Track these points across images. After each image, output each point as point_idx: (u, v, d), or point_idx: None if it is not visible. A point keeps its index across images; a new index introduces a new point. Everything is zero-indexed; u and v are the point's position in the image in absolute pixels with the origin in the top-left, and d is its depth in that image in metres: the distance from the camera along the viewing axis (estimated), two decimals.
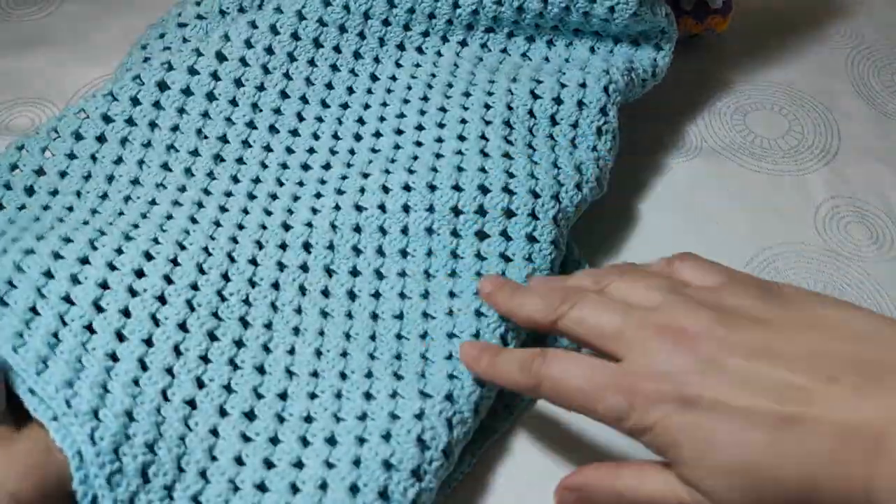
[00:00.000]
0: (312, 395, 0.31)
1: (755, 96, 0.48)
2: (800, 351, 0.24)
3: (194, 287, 0.32)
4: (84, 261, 0.31)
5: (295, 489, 0.28)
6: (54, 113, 0.47)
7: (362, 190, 0.36)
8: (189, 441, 0.29)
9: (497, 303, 0.31)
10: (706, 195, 0.43)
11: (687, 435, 0.23)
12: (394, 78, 0.41)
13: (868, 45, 0.52)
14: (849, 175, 0.44)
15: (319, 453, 0.29)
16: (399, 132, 0.39)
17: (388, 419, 0.29)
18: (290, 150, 0.38)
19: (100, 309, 0.30)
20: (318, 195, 0.36)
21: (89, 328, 0.29)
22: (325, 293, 0.34)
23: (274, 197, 0.36)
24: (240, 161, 0.37)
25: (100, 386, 0.28)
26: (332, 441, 0.29)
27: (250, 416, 0.30)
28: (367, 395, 0.31)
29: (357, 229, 0.35)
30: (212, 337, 0.31)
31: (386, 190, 0.36)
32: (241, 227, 0.35)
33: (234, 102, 0.38)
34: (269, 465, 0.29)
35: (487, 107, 0.38)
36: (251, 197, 0.36)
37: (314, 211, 0.36)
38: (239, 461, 0.29)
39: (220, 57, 0.38)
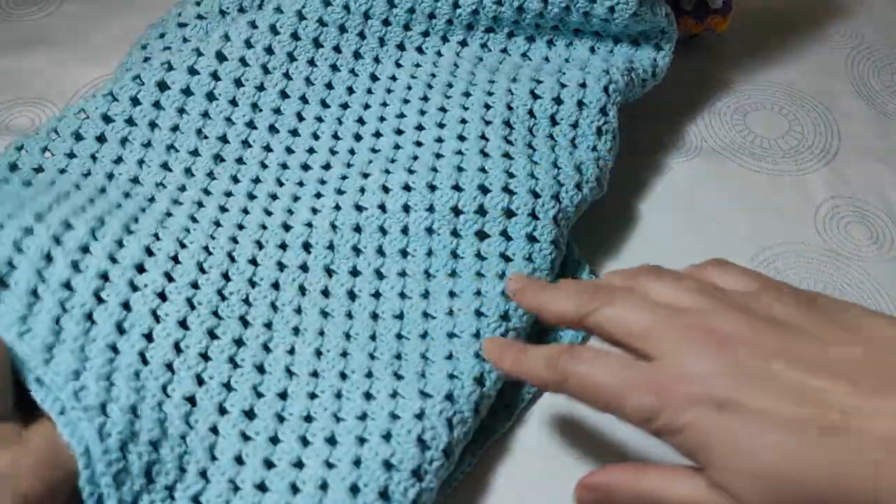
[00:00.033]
0: (312, 395, 0.31)
1: (755, 96, 0.48)
2: (842, 361, 0.23)
3: (194, 286, 0.32)
4: (85, 249, 0.31)
5: (295, 489, 0.28)
6: (54, 113, 0.47)
7: (362, 190, 0.36)
8: (190, 440, 0.28)
9: (526, 299, 0.31)
10: (706, 195, 0.43)
11: (721, 438, 0.23)
12: (394, 78, 0.41)
13: (868, 45, 0.52)
14: (849, 175, 0.44)
15: (319, 453, 0.29)
16: (399, 132, 0.39)
17: (389, 419, 0.29)
18: (289, 150, 0.38)
19: (100, 300, 0.30)
20: (318, 195, 0.36)
21: (90, 318, 0.29)
22: (325, 293, 0.34)
23: (274, 197, 0.36)
24: (240, 161, 0.37)
25: (105, 378, 0.28)
26: (332, 441, 0.29)
27: (250, 414, 0.30)
28: (367, 395, 0.31)
29: (357, 229, 0.35)
30: (211, 335, 0.31)
31: (386, 190, 0.36)
32: (240, 226, 0.35)
33: (234, 102, 0.38)
34: (269, 465, 0.29)
35: (487, 107, 0.38)
36: (251, 197, 0.36)
37: (314, 211, 0.36)
38: (239, 460, 0.29)
39: (220, 57, 0.38)
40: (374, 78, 0.41)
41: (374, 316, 0.33)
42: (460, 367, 0.31)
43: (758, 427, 0.22)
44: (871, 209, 0.42)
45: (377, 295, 0.34)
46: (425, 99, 0.39)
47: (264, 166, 0.38)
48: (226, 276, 0.33)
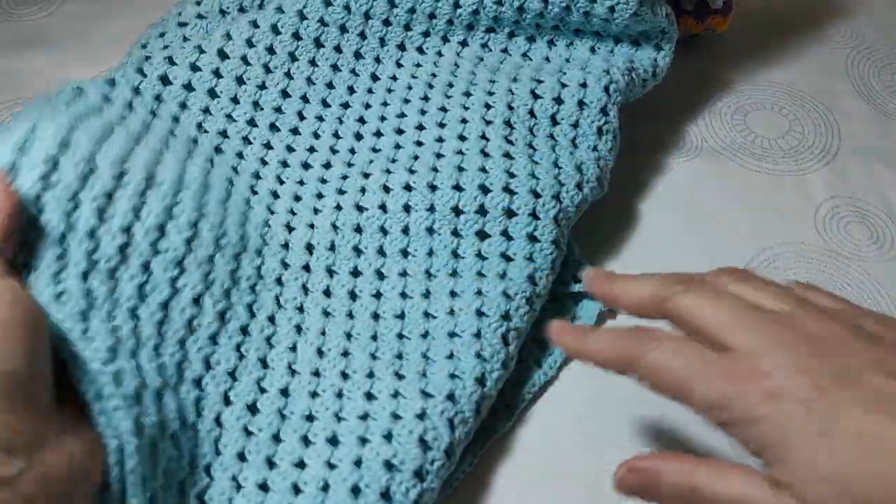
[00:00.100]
0: (314, 394, 0.31)
1: (755, 96, 0.48)
2: None
3: (211, 259, 0.32)
4: (109, 195, 0.30)
5: (297, 490, 0.28)
6: None
7: (363, 190, 0.36)
8: (200, 431, 0.28)
9: (601, 287, 0.29)
10: (706, 195, 0.43)
11: (800, 436, 0.22)
12: (395, 78, 0.41)
13: (868, 45, 0.52)
14: (849, 175, 0.44)
15: (321, 453, 0.29)
16: (399, 132, 0.39)
17: (390, 419, 0.29)
18: (290, 149, 0.38)
19: (124, 256, 0.29)
20: (320, 195, 0.36)
21: (113, 275, 0.28)
22: (327, 293, 0.34)
23: (275, 195, 0.36)
24: (240, 156, 0.37)
25: (132, 356, 0.27)
26: (333, 441, 0.29)
27: (253, 409, 0.30)
28: (369, 395, 0.31)
29: (358, 229, 0.35)
30: (222, 318, 0.31)
31: (387, 190, 0.36)
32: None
33: (235, 100, 0.38)
34: (270, 464, 0.29)
35: (488, 106, 0.38)
36: (253, 192, 0.36)
37: (315, 211, 0.36)
38: (241, 457, 0.29)
39: (222, 55, 0.38)
40: (374, 78, 0.41)
41: (376, 316, 0.33)
42: (461, 366, 0.31)
43: (847, 436, 0.22)
44: (871, 209, 0.42)
45: (378, 295, 0.34)
46: (426, 99, 0.39)
47: (264, 163, 0.38)
48: (237, 259, 0.33)
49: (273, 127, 0.39)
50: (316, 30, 0.40)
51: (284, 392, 0.31)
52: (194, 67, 0.38)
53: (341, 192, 0.36)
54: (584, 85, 0.39)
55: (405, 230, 0.35)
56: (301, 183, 0.37)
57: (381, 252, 0.35)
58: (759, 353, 0.24)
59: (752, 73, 0.50)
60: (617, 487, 0.27)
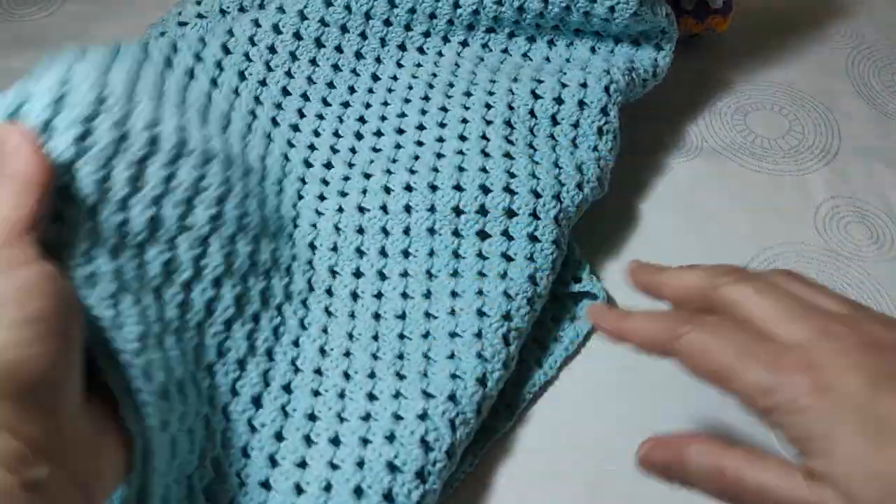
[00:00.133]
0: (316, 393, 0.31)
1: (755, 96, 0.48)
2: None
3: (233, 239, 0.31)
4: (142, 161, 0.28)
5: (299, 490, 0.28)
6: None
7: (364, 191, 0.36)
8: (211, 422, 0.28)
9: (643, 278, 0.29)
10: (707, 195, 0.43)
11: (849, 429, 0.21)
12: (395, 78, 0.41)
13: (868, 45, 0.52)
14: (849, 175, 0.44)
15: (323, 454, 0.29)
16: (400, 131, 0.39)
17: (392, 420, 0.29)
18: (290, 144, 0.38)
19: (153, 231, 0.28)
20: (322, 197, 0.36)
21: (142, 251, 0.27)
22: (329, 292, 0.34)
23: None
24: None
25: (157, 340, 0.26)
26: (335, 441, 0.29)
27: (257, 403, 0.30)
28: (370, 396, 0.31)
29: (360, 231, 0.35)
30: (238, 302, 0.31)
31: (388, 191, 0.36)
32: None
33: (236, 92, 0.38)
34: (273, 462, 0.29)
35: (488, 106, 0.38)
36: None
37: (318, 213, 0.36)
38: (245, 453, 0.29)
39: (225, 49, 0.38)
40: (375, 77, 0.41)
41: (377, 316, 0.33)
42: (462, 366, 0.31)
43: None
44: (871, 209, 0.42)
45: (379, 295, 0.34)
46: (426, 98, 0.39)
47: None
48: (256, 241, 0.32)
49: (274, 122, 0.38)
50: (317, 30, 0.40)
51: (287, 388, 0.31)
52: (198, 57, 0.38)
53: (343, 193, 0.36)
54: (584, 85, 0.39)
55: (406, 231, 0.35)
56: (302, 181, 0.37)
57: (382, 253, 0.35)
58: (808, 345, 0.23)
59: (752, 73, 0.50)
60: (640, 463, 0.26)
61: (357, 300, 0.34)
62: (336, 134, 0.39)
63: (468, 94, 0.39)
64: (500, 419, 0.34)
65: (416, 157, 0.37)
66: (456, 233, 0.35)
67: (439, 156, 0.37)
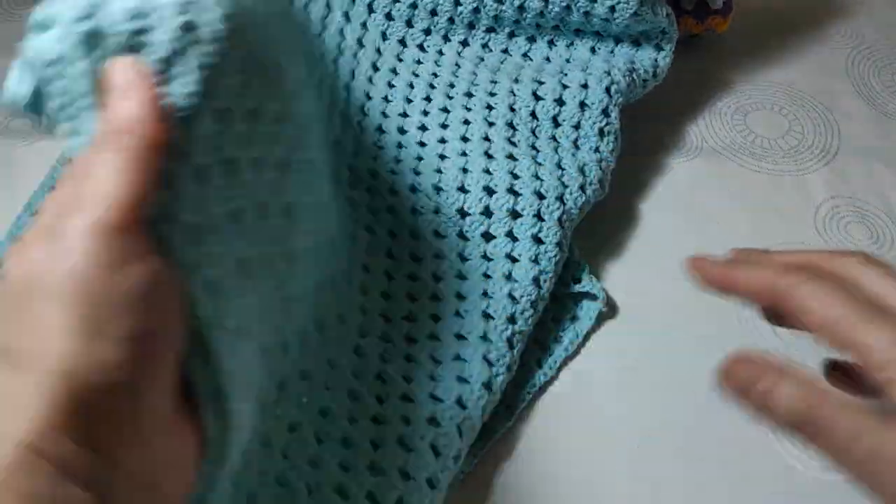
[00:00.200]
0: (327, 387, 0.31)
1: (755, 96, 0.48)
2: None
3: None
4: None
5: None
6: None
7: (369, 190, 0.36)
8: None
9: (710, 275, 0.26)
10: (707, 195, 0.43)
11: None
12: (395, 72, 0.41)
13: (868, 45, 0.52)
14: (849, 175, 0.44)
15: (335, 455, 0.29)
16: (402, 131, 0.38)
17: (402, 423, 0.29)
18: None
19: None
20: None
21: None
22: None
23: None
24: None
25: (250, 334, 0.22)
26: (346, 443, 0.29)
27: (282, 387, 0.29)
28: (379, 399, 0.31)
29: (370, 230, 0.35)
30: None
31: (394, 192, 0.36)
32: None
33: None
34: (284, 455, 0.29)
35: (490, 108, 0.38)
36: None
37: None
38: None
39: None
40: (375, 68, 0.41)
41: (385, 318, 0.33)
42: (468, 369, 0.31)
43: None
44: (871, 209, 0.42)
45: (385, 296, 0.34)
46: (428, 100, 0.39)
47: None
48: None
49: None
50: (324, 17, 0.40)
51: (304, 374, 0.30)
52: None
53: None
54: (585, 86, 0.39)
55: (413, 233, 0.35)
56: None
57: (389, 255, 0.35)
58: None
59: (752, 73, 0.50)
60: (722, 378, 0.23)
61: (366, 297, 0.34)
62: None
63: (469, 95, 0.39)
64: (499, 419, 0.34)
65: (420, 159, 0.37)
66: (461, 235, 0.35)
67: (442, 157, 0.36)
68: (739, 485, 0.32)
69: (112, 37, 0.19)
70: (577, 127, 0.38)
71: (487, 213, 0.35)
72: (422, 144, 0.38)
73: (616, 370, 0.35)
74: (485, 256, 0.34)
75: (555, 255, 0.35)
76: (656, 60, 0.42)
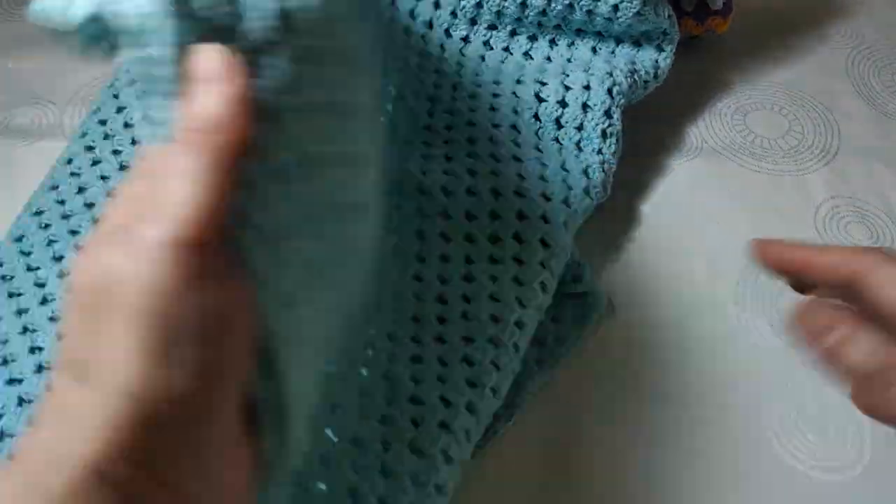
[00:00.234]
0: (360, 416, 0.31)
1: (755, 96, 0.48)
2: None
3: None
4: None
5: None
6: (54, 113, 0.47)
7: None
8: None
9: (780, 259, 0.25)
10: (707, 195, 0.43)
11: None
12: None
13: (868, 45, 0.52)
14: (849, 175, 0.44)
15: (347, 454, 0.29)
16: None
17: (412, 427, 0.29)
18: None
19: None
20: None
21: None
22: None
23: None
24: None
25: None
26: (356, 442, 0.29)
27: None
28: (388, 400, 0.31)
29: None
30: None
31: (400, 193, 0.35)
32: None
33: None
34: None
35: (493, 108, 0.38)
36: None
37: None
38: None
39: None
40: None
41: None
42: (475, 373, 0.31)
43: None
44: (871, 209, 0.43)
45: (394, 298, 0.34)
46: (431, 100, 0.39)
47: None
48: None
49: None
50: None
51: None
52: None
53: None
54: (587, 87, 0.39)
55: (419, 235, 0.34)
56: None
57: (417, 279, 0.35)
58: None
59: (752, 74, 0.50)
60: (796, 319, 0.23)
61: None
62: None
63: (472, 97, 0.39)
64: (499, 419, 0.34)
65: (425, 159, 0.37)
66: (468, 237, 0.34)
67: (448, 158, 0.36)
68: (739, 485, 0.32)
69: (200, 21, 0.17)
70: (579, 128, 0.38)
71: (494, 215, 0.35)
72: (427, 144, 0.38)
73: (616, 370, 0.36)
74: (491, 259, 0.34)
75: (560, 260, 0.34)
76: (657, 61, 0.42)
